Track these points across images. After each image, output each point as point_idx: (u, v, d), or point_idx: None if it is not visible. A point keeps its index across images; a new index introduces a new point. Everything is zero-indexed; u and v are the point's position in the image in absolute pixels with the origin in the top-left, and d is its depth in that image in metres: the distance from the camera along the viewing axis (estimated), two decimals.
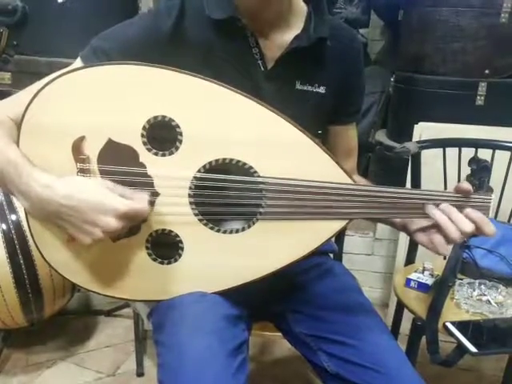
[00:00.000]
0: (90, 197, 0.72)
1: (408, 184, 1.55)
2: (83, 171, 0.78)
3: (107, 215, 0.71)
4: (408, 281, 1.25)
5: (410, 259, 1.42)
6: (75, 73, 0.77)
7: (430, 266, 1.28)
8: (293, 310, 0.96)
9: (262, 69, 0.89)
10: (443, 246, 0.77)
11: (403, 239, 1.79)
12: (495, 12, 1.70)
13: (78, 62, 0.84)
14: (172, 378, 0.74)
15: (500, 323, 1.08)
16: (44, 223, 0.80)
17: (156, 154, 0.77)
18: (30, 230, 0.83)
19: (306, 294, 0.96)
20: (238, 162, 0.77)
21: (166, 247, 0.81)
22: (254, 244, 0.81)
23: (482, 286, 1.19)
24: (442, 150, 1.38)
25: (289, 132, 0.77)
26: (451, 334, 1.03)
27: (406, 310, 1.25)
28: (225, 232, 0.81)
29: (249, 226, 0.80)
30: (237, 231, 0.80)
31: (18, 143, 0.78)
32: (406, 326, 1.31)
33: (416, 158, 1.36)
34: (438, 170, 1.40)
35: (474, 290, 1.18)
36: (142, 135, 0.77)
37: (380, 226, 2.00)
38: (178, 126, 0.76)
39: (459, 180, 1.35)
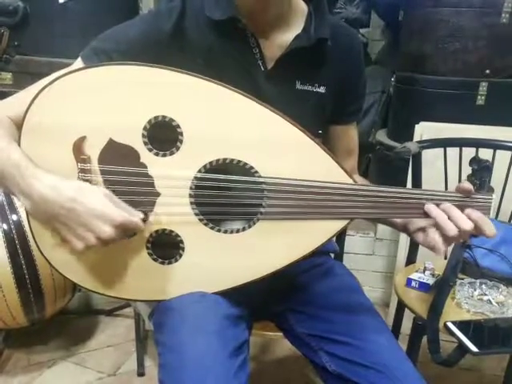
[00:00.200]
0: (90, 202, 0.72)
1: (409, 184, 1.55)
2: (84, 171, 0.78)
3: (103, 222, 0.72)
4: (409, 280, 1.25)
5: (411, 259, 1.42)
6: (76, 73, 0.77)
7: (431, 265, 1.28)
8: (294, 310, 0.96)
9: (262, 69, 0.89)
10: (441, 243, 0.76)
11: (404, 239, 1.79)
12: (496, 12, 1.70)
13: (79, 63, 0.84)
14: (173, 378, 0.74)
15: (501, 323, 1.08)
16: (45, 224, 0.80)
17: (157, 154, 0.78)
18: (30, 230, 0.83)
19: (307, 294, 0.96)
20: (239, 161, 0.77)
21: (166, 247, 0.81)
22: (255, 244, 0.81)
23: (483, 286, 1.19)
24: (442, 149, 1.38)
25: (289, 132, 0.77)
26: (452, 334, 1.03)
27: (406, 310, 1.25)
28: (225, 232, 0.81)
29: (249, 226, 0.80)
30: (237, 231, 0.80)
31: (19, 143, 0.78)
32: (406, 325, 1.31)
33: (417, 158, 1.36)
34: (438, 170, 1.40)
35: (475, 290, 1.18)
36: (143, 135, 0.77)
37: (381, 226, 2.00)
38: (179, 126, 0.76)
39: (460, 180, 1.35)
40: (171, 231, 0.81)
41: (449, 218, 0.75)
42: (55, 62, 1.86)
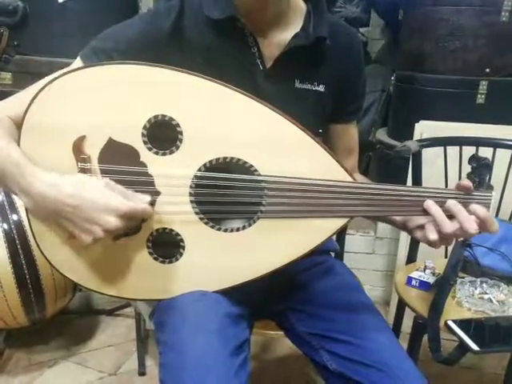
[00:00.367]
0: (92, 196, 0.72)
1: (409, 183, 1.55)
2: (84, 171, 0.78)
3: (108, 214, 0.72)
4: (409, 279, 1.25)
5: (412, 258, 1.42)
6: (76, 72, 0.77)
7: (432, 264, 1.28)
8: (294, 309, 0.96)
9: (261, 68, 0.89)
10: (434, 231, 0.76)
11: (404, 238, 1.79)
12: (496, 10, 1.70)
13: (78, 62, 0.84)
14: (174, 377, 0.74)
15: (502, 321, 1.08)
16: (45, 222, 0.80)
17: (157, 153, 0.78)
18: (31, 230, 0.83)
19: (308, 293, 0.96)
20: (239, 160, 0.77)
21: (166, 246, 0.81)
22: (255, 242, 0.81)
23: (484, 285, 1.19)
24: (442, 148, 1.38)
25: (289, 130, 0.77)
26: (453, 333, 1.03)
27: (407, 309, 1.25)
28: (226, 230, 0.81)
29: (249, 225, 0.80)
30: (238, 230, 0.80)
31: (18, 143, 0.78)
32: (407, 324, 1.31)
33: (417, 157, 1.35)
34: (438, 169, 1.40)
35: (476, 289, 1.18)
36: (143, 134, 0.77)
37: (381, 224, 2.00)
38: (179, 125, 0.76)
39: (460, 179, 1.35)
40: (171, 230, 0.81)
41: (454, 217, 0.76)
42: (55, 61, 1.86)
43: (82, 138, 0.77)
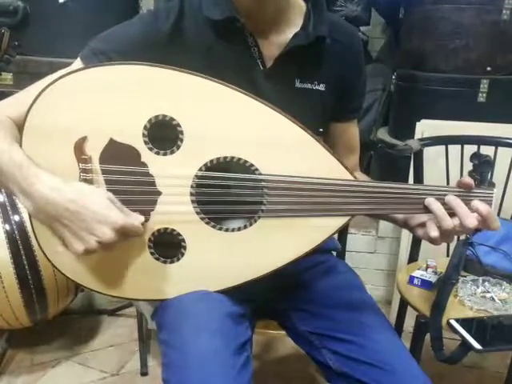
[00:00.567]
0: (92, 205, 0.72)
1: (411, 182, 1.55)
2: (85, 171, 0.78)
3: (105, 226, 0.71)
4: (411, 278, 1.25)
5: (413, 257, 1.41)
6: (76, 73, 0.77)
7: (433, 263, 1.28)
8: (296, 308, 0.96)
9: (261, 68, 0.89)
10: (435, 228, 0.77)
11: (406, 237, 1.79)
12: (497, 9, 1.70)
13: (78, 63, 0.84)
14: (176, 376, 0.74)
15: (504, 320, 1.08)
16: (44, 225, 0.80)
17: (157, 153, 0.78)
18: (33, 230, 0.83)
19: (310, 292, 0.96)
20: (239, 160, 0.77)
21: (168, 246, 0.81)
22: (256, 242, 0.81)
23: (486, 283, 1.19)
24: (444, 147, 1.38)
25: (290, 130, 0.77)
26: (455, 331, 1.02)
27: (409, 308, 1.25)
28: (227, 230, 0.81)
29: (250, 224, 0.80)
30: (239, 229, 0.80)
31: (20, 144, 0.78)
32: (409, 323, 1.30)
33: (418, 156, 1.35)
34: (440, 168, 1.40)
35: (478, 287, 1.18)
36: (144, 135, 0.77)
37: (382, 223, 2.00)
38: (179, 125, 0.76)
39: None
40: (173, 230, 0.81)
41: (454, 212, 0.76)
42: (55, 61, 1.86)
43: (84, 139, 0.77)
